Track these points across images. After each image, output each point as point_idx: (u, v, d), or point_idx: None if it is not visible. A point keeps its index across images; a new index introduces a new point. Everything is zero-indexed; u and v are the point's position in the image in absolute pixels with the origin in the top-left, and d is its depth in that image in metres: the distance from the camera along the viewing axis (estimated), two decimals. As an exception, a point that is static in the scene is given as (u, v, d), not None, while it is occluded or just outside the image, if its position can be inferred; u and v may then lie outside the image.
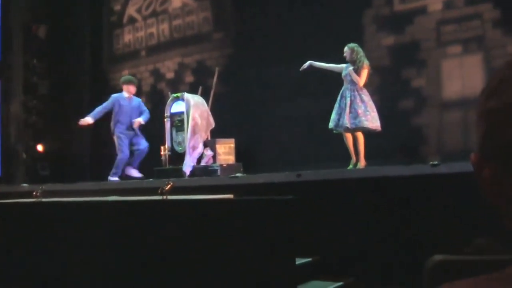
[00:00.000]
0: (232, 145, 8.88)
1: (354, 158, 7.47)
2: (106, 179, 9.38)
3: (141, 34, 12.19)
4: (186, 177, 8.41)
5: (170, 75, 11.53)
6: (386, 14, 8.83)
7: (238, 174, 7.69)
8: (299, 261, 4.92)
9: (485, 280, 0.74)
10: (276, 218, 4.28)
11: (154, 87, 11.70)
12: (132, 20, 12.35)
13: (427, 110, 8.21)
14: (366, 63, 7.52)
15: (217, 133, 9.06)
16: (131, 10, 12.37)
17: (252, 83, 9.48)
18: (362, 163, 7.38)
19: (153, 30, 11.97)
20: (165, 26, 11.79)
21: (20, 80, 11.95)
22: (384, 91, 8.35)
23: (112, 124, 9.55)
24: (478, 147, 0.86)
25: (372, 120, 7.39)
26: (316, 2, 9.03)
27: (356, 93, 7.45)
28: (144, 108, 9.76)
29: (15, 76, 11.93)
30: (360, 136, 7.46)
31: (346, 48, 7.60)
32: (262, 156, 8.92)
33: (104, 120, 9.72)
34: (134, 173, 9.46)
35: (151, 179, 8.62)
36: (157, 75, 11.72)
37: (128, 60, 12.26)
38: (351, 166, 7.43)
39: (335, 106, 7.58)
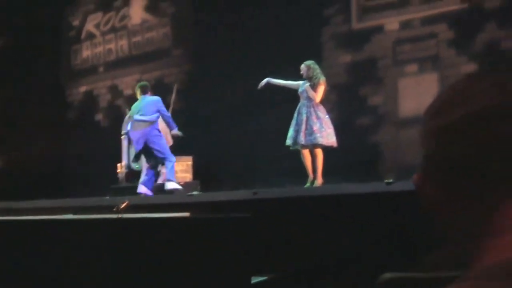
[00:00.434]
0: (190, 163, 8.83)
1: (311, 176, 7.47)
2: (64, 196, 9.16)
3: (99, 49, 12.09)
4: (143, 196, 8.30)
5: (128, 91, 11.43)
6: (344, 32, 8.93)
7: (194, 192, 7.63)
8: (255, 279, 4.89)
9: None
10: (232, 236, 4.25)
11: (111, 103, 11.58)
12: (90, 36, 12.25)
13: (383, 128, 8.30)
14: (322, 80, 7.55)
15: (175, 150, 8.99)
16: (89, 26, 12.27)
17: (211, 100, 9.45)
18: (319, 180, 7.39)
19: (112, 46, 11.89)
20: (124, 42, 11.72)
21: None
22: (341, 108, 8.42)
23: None
24: (422, 166, 0.85)
25: (327, 136, 7.41)
26: (275, 19, 9.08)
27: (312, 109, 7.47)
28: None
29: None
30: (319, 153, 7.47)
31: (302, 66, 7.63)
32: (220, 174, 8.88)
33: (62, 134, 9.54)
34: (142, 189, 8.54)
35: (107, 197, 8.49)
36: (115, 91, 11.62)
37: (86, 76, 12.14)
38: (308, 184, 7.44)
39: (292, 123, 7.60)
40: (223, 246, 4.24)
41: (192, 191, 7.90)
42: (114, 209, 5.32)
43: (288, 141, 7.59)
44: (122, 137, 9.14)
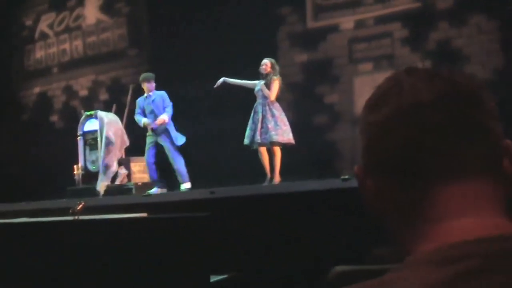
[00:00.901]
0: (147, 163, 8.77)
1: (269, 174, 7.51)
2: (18, 199, 8.99)
3: (53, 50, 11.92)
4: (100, 197, 8.23)
5: (83, 92, 11.31)
6: (300, 31, 8.99)
7: (151, 192, 7.60)
8: (214, 278, 4.89)
9: (364, 285, 0.76)
10: (190, 235, 4.24)
11: (66, 104, 11.43)
12: (44, 36, 12.06)
13: (340, 126, 8.38)
14: (277, 77, 7.59)
15: (132, 151, 8.93)
16: (43, 26, 12.08)
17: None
18: (277, 179, 7.43)
19: (66, 46, 11.73)
20: (78, 43, 11.57)
21: None
22: (298, 106, 8.48)
23: None
24: (362, 160, 0.88)
25: (283, 134, 7.45)
26: (231, 19, 9.08)
27: (267, 107, 7.51)
28: (168, 102, 8.36)
29: None
30: (277, 151, 7.52)
31: (266, 61, 7.64)
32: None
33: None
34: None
35: (64, 199, 8.38)
36: (70, 92, 11.47)
37: (40, 77, 11.95)
38: (266, 182, 7.47)
39: (249, 122, 7.63)
40: (181, 245, 4.22)
41: (149, 191, 7.87)
42: (70, 211, 5.25)
43: (246, 141, 7.62)
44: (78, 138, 9.04)
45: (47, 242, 4.93)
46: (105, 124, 8.66)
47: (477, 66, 7.61)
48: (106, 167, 8.50)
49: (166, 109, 8.19)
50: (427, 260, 0.74)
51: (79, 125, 9.07)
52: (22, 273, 4.95)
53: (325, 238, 5.02)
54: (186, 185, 7.97)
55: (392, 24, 8.30)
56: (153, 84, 8.33)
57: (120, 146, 8.75)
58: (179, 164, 8.05)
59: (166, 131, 8.14)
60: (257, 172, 7.67)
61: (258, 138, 7.47)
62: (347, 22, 8.67)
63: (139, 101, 8.43)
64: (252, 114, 7.62)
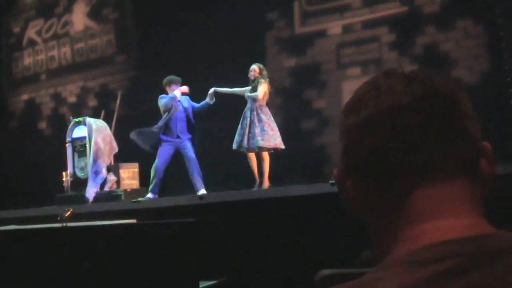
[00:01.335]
0: (136, 170, 8.76)
1: (258, 179, 7.51)
2: (7, 207, 8.96)
3: (41, 57, 11.88)
4: (89, 203, 8.20)
5: (72, 99, 11.27)
6: (288, 36, 9.01)
7: (140, 199, 7.58)
8: (203, 284, 4.88)
9: (343, 287, 0.76)
10: (179, 241, 4.23)
11: (55, 111, 11.39)
12: (32, 43, 12.02)
13: (328, 130, 8.39)
14: (264, 80, 7.59)
15: (121, 157, 8.90)
16: (31, 33, 12.05)
17: (156, 106, 9.39)
18: (266, 183, 7.44)
19: (54, 53, 11.70)
20: (66, 49, 11.54)
21: None
22: (286, 111, 8.49)
23: None
24: (341, 162, 0.89)
25: (269, 139, 7.44)
26: (219, 24, 9.09)
27: (255, 112, 7.52)
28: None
29: None
30: (265, 156, 7.53)
31: (255, 66, 7.64)
32: (167, 179, 8.83)
33: None
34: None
35: (53, 206, 8.34)
36: (58, 99, 11.43)
37: (28, 84, 11.90)
38: (255, 187, 7.48)
39: (238, 127, 7.64)
40: (170, 251, 4.21)
41: (139, 198, 7.85)
42: (58, 218, 5.23)
43: (234, 146, 7.63)
44: (67, 145, 9.01)
45: (35, 249, 4.91)
46: (93, 130, 8.64)
47: (464, 70, 7.66)
48: (95, 173, 8.48)
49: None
50: (405, 261, 0.75)
51: (68, 131, 9.04)
52: (10, 281, 4.93)
53: (313, 242, 5.03)
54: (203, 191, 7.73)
55: (379, 28, 8.34)
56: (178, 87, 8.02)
57: (109, 152, 8.73)
58: (199, 171, 7.89)
59: (189, 139, 8.00)
60: (246, 177, 7.68)
61: (245, 143, 7.48)
62: (334, 27, 8.71)
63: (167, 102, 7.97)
64: (241, 119, 7.63)
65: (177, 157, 8.16)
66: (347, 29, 8.63)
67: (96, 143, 8.56)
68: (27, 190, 9.97)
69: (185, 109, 8.00)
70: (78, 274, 4.61)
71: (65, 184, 8.95)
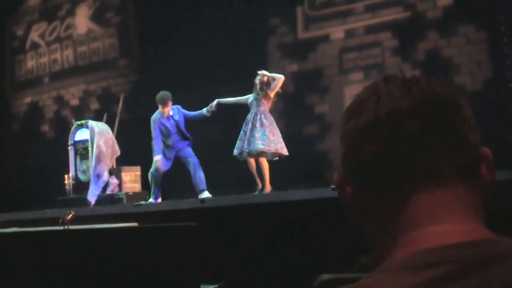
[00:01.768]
0: (138, 173, 8.76)
1: (259, 184, 7.51)
2: (9, 209, 8.96)
3: (44, 60, 11.90)
4: (91, 206, 8.21)
5: (74, 102, 11.29)
6: (290, 41, 9.02)
7: (141, 202, 7.59)
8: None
9: None
10: (180, 245, 4.24)
11: (57, 114, 11.41)
12: (35, 46, 12.05)
13: (330, 135, 8.39)
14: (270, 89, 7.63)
15: (123, 161, 8.91)
16: (34, 36, 12.07)
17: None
18: (267, 188, 7.43)
19: (57, 56, 11.72)
20: (69, 52, 11.57)
21: None
22: (288, 116, 8.49)
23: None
24: (341, 167, 0.89)
25: (269, 143, 7.42)
26: (221, 29, 9.10)
27: (257, 117, 7.52)
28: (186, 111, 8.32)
29: None
30: (263, 161, 7.51)
31: (265, 72, 7.63)
32: (169, 183, 8.85)
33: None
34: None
35: (54, 209, 8.36)
36: (61, 102, 11.45)
37: (31, 87, 11.92)
38: (256, 192, 7.47)
39: (240, 132, 7.63)
40: (171, 255, 4.22)
41: (141, 201, 7.86)
42: (60, 221, 5.24)
43: (235, 151, 7.62)
44: (69, 147, 9.03)
45: (37, 252, 4.92)
46: (96, 133, 8.66)
47: (466, 76, 7.66)
48: (97, 176, 8.49)
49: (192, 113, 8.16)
50: (403, 265, 0.75)
51: (70, 134, 9.05)
52: (12, 283, 4.93)
53: (314, 247, 5.03)
54: (206, 193, 7.76)
55: (382, 33, 8.35)
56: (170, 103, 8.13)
57: (111, 155, 8.74)
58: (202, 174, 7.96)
59: (188, 145, 8.11)
60: (248, 181, 7.67)
61: (246, 147, 7.48)
62: (337, 32, 8.71)
63: (159, 122, 8.14)
64: (243, 125, 7.63)
65: (178, 161, 8.18)
66: (349, 34, 8.63)
67: (98, 146, 8.57)
68: (29, 193, 9.99)
69: (176, 122, 8.10)
70: (79, 276, 4.62)
71: (67, 187, 8.95)
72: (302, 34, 8.97)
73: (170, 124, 8.11)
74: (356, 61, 8.55)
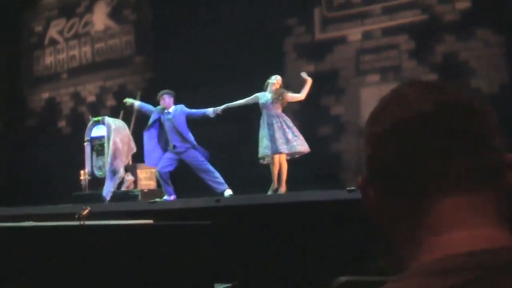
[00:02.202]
0: (154, 170, 8.78)
1: (276, 184, 7.50)
2: (25, 204, 9.03)
3: (62, 56, 11.98)
4: (106, 202, 8.26)
5: (91, 98, 11.36)
6: (307, 42, 9.02)
7: (157, 199, 7.62)
8: (218, 286, 4.90)
9: None
10: (194, 243, 4.26)
11: (74, 110, 11.49)
12: (53, 42, 12.13)
13: (345, 137, 8.40)
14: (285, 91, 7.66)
15: (139, 158, 8.95)
16: (52, 32, 12.16)
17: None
18: (283, 188, 7.45)
19: (75, 52, 11.80)
20: (87, 49, 11.64)
21: None
22: (304, 117, 8.49)
23: None
24: (366, 170, 0.91)
25: (302, 143, 7.48)
26: (237, 29, 9.12)
27: (279, 119, 7.52)
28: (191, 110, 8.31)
29: None
30: (284, 161, 7.52)
31: (279, 77, 7.66)
32: (184, 181, 8.89)
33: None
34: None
35: (69, 204, 8.41)
36: (78, 98, 11.53)
37: (48, 83, 12.01)
38: (270, 191, 7.48)
39: (262, 133, 7.57)
40: (186, 253, 4.24)
41: (156, 198, 7.89)
42: (76, 216, 5.28)
43: (266, 151, 7.53)
44: (85, 143, 9.08)
45: (52, 246, 4.96)
46: (112, 130, 8.70)
47: (483, 80, 7.63)
48: (113, 173, 8.54)
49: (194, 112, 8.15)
50: (425, 271, 0.76)
51: (87, 130, 9.11)
52: (27, 277, 4.98)
53: (330, 248, 5.04)
54: (228, 192, 7.70)
55: (399, 36, 8.34)
56: (166, 99, 8.18)
57: (127, 152, 8.78)
58: (212, 176, 7.90)
59: (191, 147, 8.06)
60: (258, 182, 7.68)
61: (279, 148, 7.41)
62: (354, 33, 8.71)
63: (156, 113, 8.22)
64: (265, 126, 7.55)
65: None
66: (367, 36, 8.63)
67: (114, 142, 8.62)
68: (44, 188, 10.06)
69: (172, 120, 8.09)
70: (94, 271, 4.66)
71: (82, 182, 9.01)
72: (319, 35, 8.98)
73: (164, 119, 8.14)
74: (372, 63, 8.54)
